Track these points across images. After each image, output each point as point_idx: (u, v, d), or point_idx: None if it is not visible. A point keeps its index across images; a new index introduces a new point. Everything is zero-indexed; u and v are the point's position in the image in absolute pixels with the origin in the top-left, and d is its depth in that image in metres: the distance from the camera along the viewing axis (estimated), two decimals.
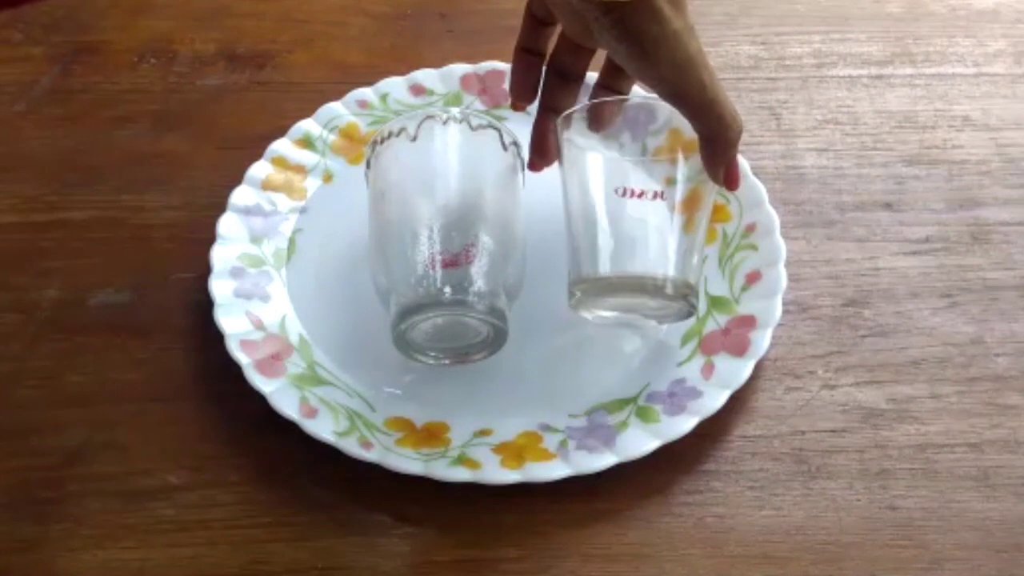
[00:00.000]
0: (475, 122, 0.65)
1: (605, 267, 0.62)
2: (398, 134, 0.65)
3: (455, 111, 0.66)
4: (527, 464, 0.61)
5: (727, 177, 0.60)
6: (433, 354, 0.63)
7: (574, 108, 0.64)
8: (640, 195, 0.62)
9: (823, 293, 0.70)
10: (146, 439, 0.64)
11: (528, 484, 0.61)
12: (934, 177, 0.75)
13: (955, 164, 0.76)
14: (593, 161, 0.64)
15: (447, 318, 0.61)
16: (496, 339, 0.62)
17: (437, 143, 0.65)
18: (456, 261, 0.61)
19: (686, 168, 0.62)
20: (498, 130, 0.66)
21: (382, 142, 0.66)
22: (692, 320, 0.66)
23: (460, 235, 0.62)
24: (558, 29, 0.64)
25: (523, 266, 0.64)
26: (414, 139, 0.65)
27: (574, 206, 0.64)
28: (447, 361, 0.64)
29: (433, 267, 0.61)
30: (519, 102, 0.66)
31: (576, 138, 0.64)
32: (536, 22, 0.64)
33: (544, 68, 0.65)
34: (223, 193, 0.71)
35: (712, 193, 0.63)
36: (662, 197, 0.62)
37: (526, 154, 0.66)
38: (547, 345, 0.66)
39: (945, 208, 0.74)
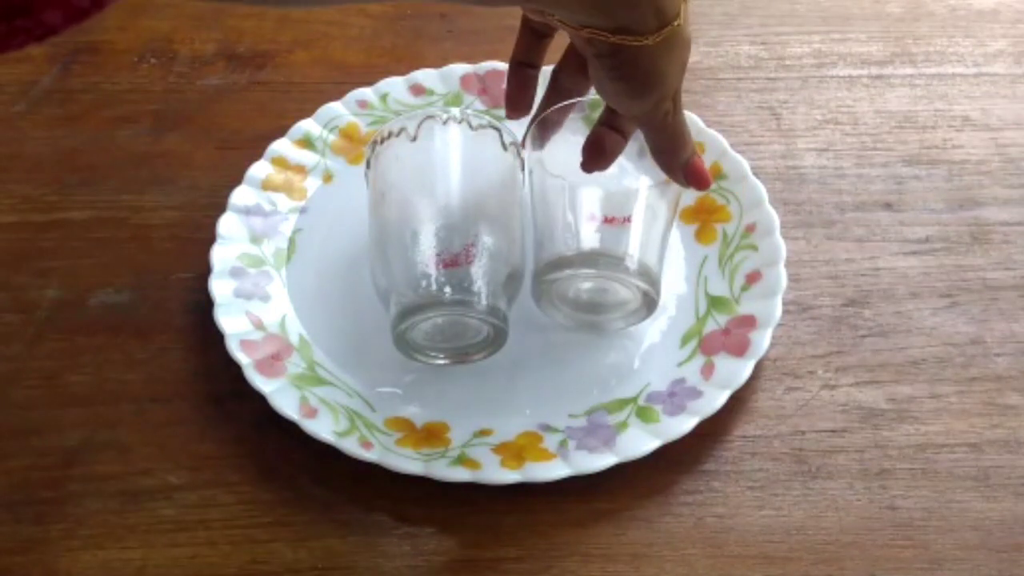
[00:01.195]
0: (475, 122, 0.65)
1: (567, 247, 0.63)
2: (398, 134, 0.65)
3: (455, 111, 0.66)
4: (527, 464, 0.61)
5: (691, 177, 0.61)
6: (433, 354, 0.63)
7: (546, 114, 0.65)
8: (611, 221, 0.63)
9: (823, 293, 0.70)
10: (146, 439, 0.64)
11: (528, 484, 0.61)
12: (934, 177, 0.75)
13: (955, 164, 0.76)
14: (560, 183, 0.64)
15: (447, 318, 0.61)
16: (496, 339, 0.62)
17: (437, 143, 0.65)
18: (456, 261, 0.61)
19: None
20: (498, 130, 0.66)
21: (382, 142, 0.66)
22: (691, 322, 0.67)
23: (460, 235, 0.62)
24: (553, 41, 0.64)
25: (523, 266, 0.64)
26: (414, 139, 0.65)
27: (537, 201, 0.65)
28: (447, 361, 0.64)
29: (434, 267, 0.61)
30: (514, 114, 0.66)
31: (545, 157, 0.64)
32: (533, 35, 0.64)
33: (549, 81, 0.65)
34: (223, 193, 0.71)
35: (680, 195, 0.64)
36: (629, 221, 0.63)
37: (526, 154, 0.66)
38: (547, 345, 0.66)
39: (945, 208, 0.74)
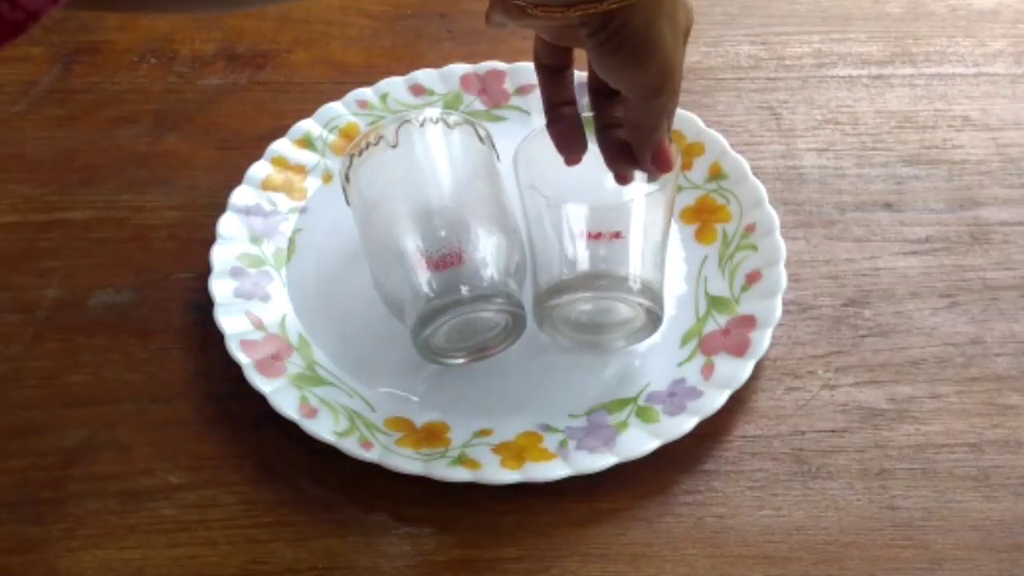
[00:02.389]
0: (451, 120, 0.65)
1: (565, 270, 0.62)
2: (376, 143, 0.65)
3: (428, 112, 0.66)
4: (527, 464, 0.61)
5: (659, 159, 0.59)
6: (454, 354, 0.63)
7: (533, 133, 0.64)
8: (607, 237, 0.62)
9: (823, 293, 0.70)
10: (146, 439, 0.64)
11: (528, 484, 0.61)
12: (934, 177, 0.75)
13: (955, 164, 0.76)
14: (553, 204, 0.63)
15: (467, 316, 0.60)
16: (515, 328, 0.62)
17: (418, 146, 0.65)
18: (462, 258, 0.61)
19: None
20: (472, 124, 0.66)
21: (360, 154, 0.65)
22: (691, 322, 0.67)
23: (460, 233, 0.62)
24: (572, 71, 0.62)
25: (523, 250, 0.64)
26: (394, 146, 0.65)
27: (532, 225, 0.64)
28: (468, 359, 0.63)
29: (443, 269, 0.61)
30: (573, 159, 0.63)
31: (537, 180, 0.64)
32: (551, 73, 0.61)
33: (535, 68, 0.63)
34: (223, 193, 0.71)
35: (673, 202, 0.64)
36: (620, 237, 0.62)
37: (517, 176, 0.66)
38: (547, 345, 0.66)
39: (945, 208, 0.74)
